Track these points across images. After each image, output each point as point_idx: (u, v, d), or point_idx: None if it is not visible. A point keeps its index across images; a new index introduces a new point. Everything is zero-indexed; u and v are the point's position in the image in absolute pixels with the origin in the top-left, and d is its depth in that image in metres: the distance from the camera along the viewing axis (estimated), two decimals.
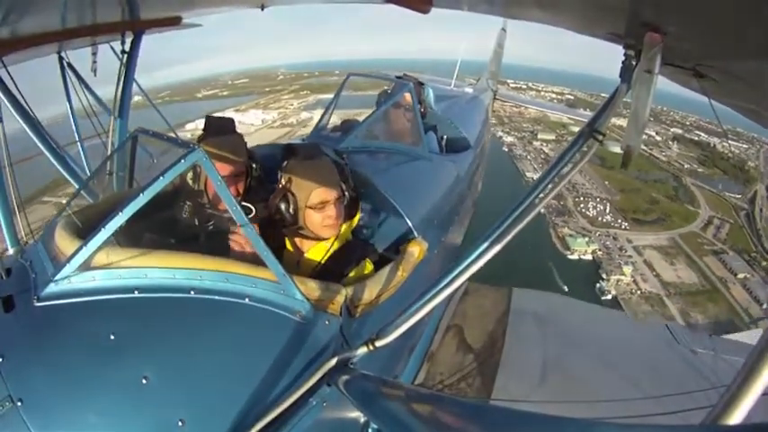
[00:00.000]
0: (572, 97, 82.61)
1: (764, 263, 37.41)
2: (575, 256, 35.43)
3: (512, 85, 77.71)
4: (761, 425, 0.66)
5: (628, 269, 35.11)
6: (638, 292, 33.91)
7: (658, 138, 61.58)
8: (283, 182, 1.93)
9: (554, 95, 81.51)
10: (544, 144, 56.99)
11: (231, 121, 2.21)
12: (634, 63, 1.41)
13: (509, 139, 58.71)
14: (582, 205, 44.45)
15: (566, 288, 29.30)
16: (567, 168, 1.71)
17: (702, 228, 43.22)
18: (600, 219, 41.78)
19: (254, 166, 2.18)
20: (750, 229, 42.62)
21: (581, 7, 1.41)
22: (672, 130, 66.54)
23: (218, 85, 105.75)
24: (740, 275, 36.20)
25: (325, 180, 1.91)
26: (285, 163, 1.97)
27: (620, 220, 42.41)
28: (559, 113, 11.02)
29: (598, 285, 33.56)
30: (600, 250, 37.41)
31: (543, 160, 52.24)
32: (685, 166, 55.79)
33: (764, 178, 51.77)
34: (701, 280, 36.04)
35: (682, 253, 39.06)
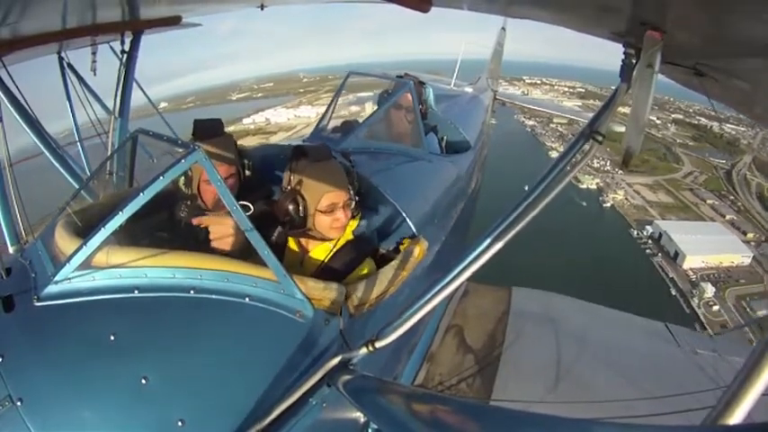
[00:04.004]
0: (583, 90, 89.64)
1: (732, 197, 51.35)
2: (584, 186, 52.09)
3: (527, 81, 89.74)
4: (762, 425, 0.66)
5: (621, 191, 52.33)
6: (629, 204, 50.49)
7: (658, 122, 71.07)
8: (293, 184, 1.92)
9: (566, 89, 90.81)
10: (559, 125, 69.03)
11: (219, 122, 2.20)
12: (634, 62, 1.41)
13: (530, 122, 72.80)
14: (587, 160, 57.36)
15: (584, 203, 46.39)
16: (567, 168, 1.71)
17: (683, 177, 57.58)
18: (601, 168, 56.28)
19: (245, 162, 2.17)
20: (727, 180, 55.32)
21: (581, 6, 1.41)
22: (673, 116, 74.37)
23: (245, 89, 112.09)
24: (709, 202, 50.57)
25: (335, 183, 1.91)
26: (294, 163, 1.96)
27: (616, 169, 56.20)
28: (558, 113, 11.05)
29: (600, 198, 50.66)
30: (601, 183, 53.76)
31: (559, 136, 66.30)
32: (678, 141, 66.61)
33: (754, 152, 59.57)
34: (676, 202, 51.37)
35: (663, 188, 54.19)
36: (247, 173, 2.20)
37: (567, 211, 38.89)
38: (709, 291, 36.21)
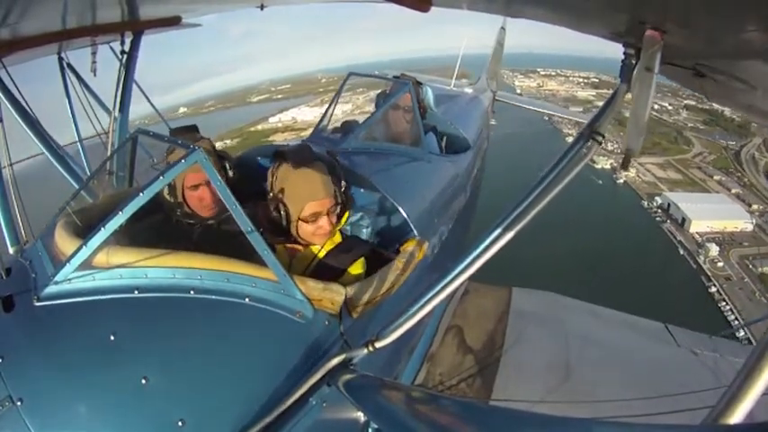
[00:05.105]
0: (597, 80, 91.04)
1: (738, 174, 54.56)
2: (599, 166, 56.00)
3: (542, 74, 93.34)
4: (762, 424, 0.66)
5: (633, 170, 55.33)
6: (640, 180, 54.99)
7: (670, 108, 73.76)
8: (275, 191, 1.88)
9: (581, 80, 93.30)
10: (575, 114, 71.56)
11: (195, 127, 2.18)
12: (634, 62, 1.41)
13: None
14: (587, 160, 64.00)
15: (600, 181, 49.96)
16: (567, 169, 1.71)
17: (692, 157, 61.18)
18: (614, 150, 58.19)
19: (226, 166, 2.14)
20: (735, 159, 58.54)
21: (580, 6, 1.41)
22: (685, 101, 76.26)
23: (264, 91, 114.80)
24: (716, 178, 54.15)
25: (318, 192, 1.86)
26: (275, 169, 1.92)
27: None
28: (557, 114, 11.10)
29: (614, 176, 54.85)
30: (615, 163, 56.28)
31: (575, 123, 67.95)
32: (689, 125, 69.36)
33: (765, 134, 61.58)
34: (685, 178, 55.61)
35: (673, 167, 58.41)
36: (230, 174, 2.16)
37: (584, 187, 43.50)
38: (714, 250, 39.34)
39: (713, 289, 35.29)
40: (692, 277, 36.69)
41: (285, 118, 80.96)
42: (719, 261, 38.43)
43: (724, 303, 33.49)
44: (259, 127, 78.46)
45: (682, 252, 40.20)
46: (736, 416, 0.76)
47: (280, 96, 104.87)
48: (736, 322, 29.93)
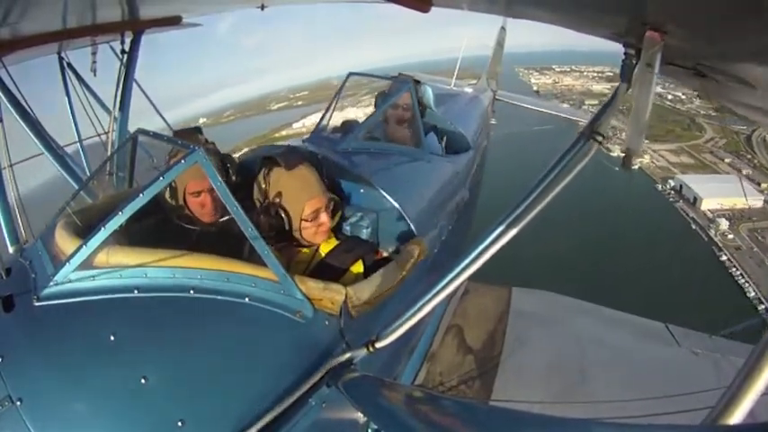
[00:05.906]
0: (612, 74, 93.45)
1: (749, 156, 56.79)
2: (614, 154, 54.33)
3: (557, 70, 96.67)
4: (762, 425, 0.66)
5: (647, 156, 57.95)
6: (654, 165, 57.13)
7: (683, 97, 75.93)
8: (270, 197, 1.89)
9: (595, 74, 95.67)
10: (590, 107, 76.49)
11: (198, 129, 2.18)
12: (634, 62, 1.41)
13: (564, 105, 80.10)
14: (617, 134, 63.86)
15: (616, 168, 44.14)
16: (567, 169, 1.71)
17: (704, 143, 63.14)
18: None
19: (229, 170, 2.14)
20: (746, 143, 60.32)
21: (581, 6, 1.41)
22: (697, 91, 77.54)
23: (282, 99, 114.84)
24: (727, 160, 56.48)
25: (314, 189, 1.90)
26: (267, 175, 1.92)
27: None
28: (557, 113, 11.11)
29: None
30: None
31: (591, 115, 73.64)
32: (701, 113, 71.44)
33: None
34: (696, 162, 58.02)
35: (685, 152, 60.48)
36: (233, 178, 2.15)
37: (600, 173, 46.39)
38: (725, 224, 42.06)
39: (724, 258, 38.02)
40: (703, 248, 39.93)
41: (308, 123, 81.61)
42: (730, 234, 40.96)
43: (734, 269, 35.79)
44: (284, 132, 78.14)
45: (694, 227, 43.20)
46: (737, 416, 0.76)
47: (300, 103, 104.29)
48: (747, 285, 32.92)
